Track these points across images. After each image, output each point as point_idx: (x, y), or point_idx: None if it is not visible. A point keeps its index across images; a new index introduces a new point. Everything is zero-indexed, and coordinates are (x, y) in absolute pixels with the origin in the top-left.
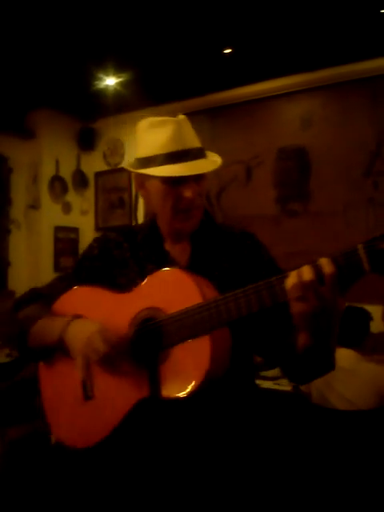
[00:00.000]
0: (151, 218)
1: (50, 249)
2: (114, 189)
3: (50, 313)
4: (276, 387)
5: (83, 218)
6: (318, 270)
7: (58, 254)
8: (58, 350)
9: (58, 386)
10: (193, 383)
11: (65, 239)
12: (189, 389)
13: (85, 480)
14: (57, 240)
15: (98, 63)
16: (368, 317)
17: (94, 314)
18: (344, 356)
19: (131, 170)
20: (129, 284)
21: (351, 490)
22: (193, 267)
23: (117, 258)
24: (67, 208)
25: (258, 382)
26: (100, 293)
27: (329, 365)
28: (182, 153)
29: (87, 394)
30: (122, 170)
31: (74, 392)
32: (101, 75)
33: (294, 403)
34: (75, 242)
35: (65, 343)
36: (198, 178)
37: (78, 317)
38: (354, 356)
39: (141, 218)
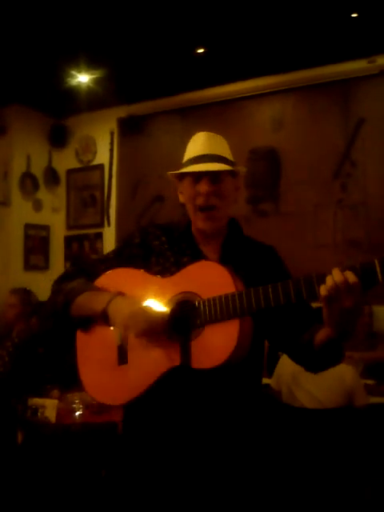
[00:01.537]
0: (188, 219)
1: (19, 246)
2: (85, 186)
3: (93, 287)
4: None
5: (54, 216)
6: (346, 277)
7: (27, 251)
8: (96, 321)
9: (94, 350)
10: (220, 358)
11: (35, 237)
12: (216, 362)
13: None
14: (27, 237)
15: (70, 60)
16: None
17: (135, 292)
18: None
19: (168, 174)
20: (163, 272)
21: (317, 487)
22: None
23: (155, 248)
24: (38, 205)
25: None
26: (141, 275)
27: (341, 355)
28: (202, 156)
29: (122, 359)
30: (94, 167)
31: (108, 357)
32: (73, 72)
33: (262, 402)
34: (46, 240)
35: (108, 315)
36: (214, 179)
37: (121, 294)
38: None
39: (113, 216)
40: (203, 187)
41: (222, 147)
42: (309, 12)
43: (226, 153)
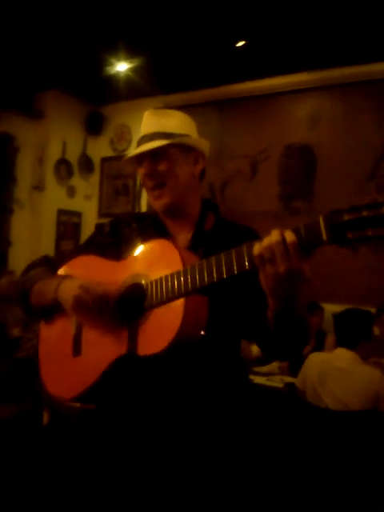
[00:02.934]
0: None
1: (52, 231)
2: (119, 175)
3: (50, 275)
4: (268, 383)
5: (87, 203)
6: (283, 236)
7: (59, 237)
8: (56, 310)
9: (53, 342)
10: (163, 342)
11: (67, 223)
12: (160, 347)
13: (72, 458)
14: (59, 223)
15: (110, 48)
16: (370, 319)
17: (89, 278)
18: (341, 356)
19: (124, 162)
20: None
21: (336, 488)
22: (192, 250)
23: (125, 236)
24: (71, 192)
25: (250, 377)
26: (98, 261)
27: (301, 336)
28: (141, 138)
29: (76, 350)
30: None
31: (65, 348)
32: (112, 60)
33: (284, 400)
34: (77, 227)
35: (58, 301)
36: (155, 157)
37: (70, 277)
38: (351, 357)
39: (144, 205)
40: (143, 169)
41: (165, 122)
42: (350, 9)
43: (172, 126)
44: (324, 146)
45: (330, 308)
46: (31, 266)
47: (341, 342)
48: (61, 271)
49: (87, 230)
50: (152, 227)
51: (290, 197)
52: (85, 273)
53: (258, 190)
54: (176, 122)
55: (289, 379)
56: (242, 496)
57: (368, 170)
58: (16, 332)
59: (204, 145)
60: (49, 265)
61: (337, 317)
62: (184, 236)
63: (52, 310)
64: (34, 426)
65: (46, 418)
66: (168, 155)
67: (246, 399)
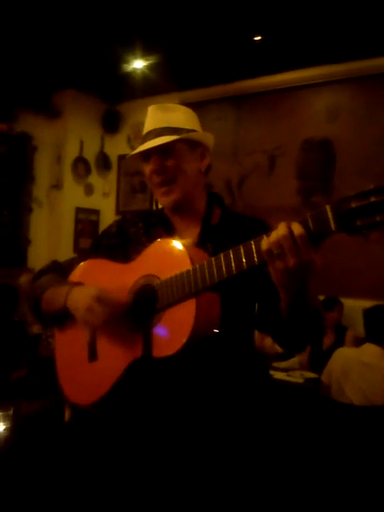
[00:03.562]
0: None
1: (70, 229)
2: (136, 173)
3: (60, 282)
4: (288, 379)
5: (104, 201)
6: (291, 229)
7: (77, 234)
8: (68, 317)
9: (69, 348)
10: (178, 343)
11: (85, 221)
12: (175, 348)
13: (92, 456)
14: (77, 221)
15: (126, 46)
16: None
17: (99, 283)
18: (368, 351)
19: (127, 159)
20: None
21: (354, 483)
22: (200, 246)
23: (131, 236)
24: (89, 189)
25: (270, 372)
26: (106, 264)
27: (315, 328)
28: (147, 134)
29: (92, 355)
30: None
31: (81, 354)
32: (128, 58)
33: (306, 396)
34: (95, 224)
35: (68, 309)
36: (163, 153)
37: (79, 284)
38: (378, 352)
39: None
40: (150, 166)
41: (171, 117)
42: (368, 1)
43: (178, 121)
44: (343, 140)
45: (350, 303)
46: (41, 273)
47: (369, 338)
48: (71, 277)
49: (105, 227)
50: (158, 225)
51: (309, 191)
52: (94, 278)
53: (276, 185)
54: (181, 117)
55: (309, 375)
56: (264, 493)
57: None
58: (36, 329)
59: (209, 139)
60: (58, 270)
61: (367, 312)
62: (191, 232)
63: (64, 317)
64: (56, 422)
65: (67, 415)
66: (176, 151)
67: (267, 395)
